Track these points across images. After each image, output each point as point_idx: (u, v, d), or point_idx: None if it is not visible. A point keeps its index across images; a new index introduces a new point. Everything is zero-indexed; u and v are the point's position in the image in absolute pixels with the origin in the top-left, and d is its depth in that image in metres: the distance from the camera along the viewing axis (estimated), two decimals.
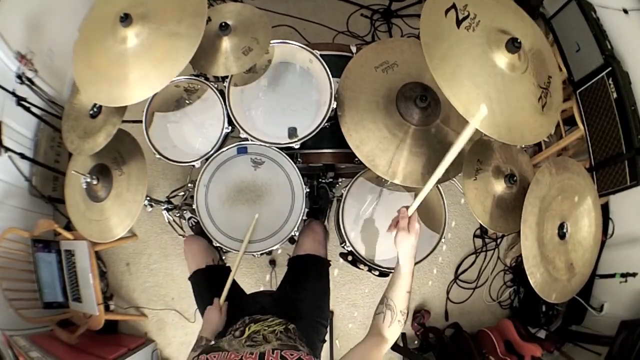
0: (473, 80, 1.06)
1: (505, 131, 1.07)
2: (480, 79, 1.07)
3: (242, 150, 1.55)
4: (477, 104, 1.01)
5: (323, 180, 1.89)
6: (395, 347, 2.15)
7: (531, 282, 1.18)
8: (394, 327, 1.00)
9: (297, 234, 1.54)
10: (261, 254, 1.52)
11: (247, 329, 1.09)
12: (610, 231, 2.08)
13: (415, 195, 1.07)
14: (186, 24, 1.20)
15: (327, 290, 1.47)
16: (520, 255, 1.24)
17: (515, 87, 1.09)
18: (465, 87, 1.05)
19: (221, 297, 1.32)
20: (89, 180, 1.42)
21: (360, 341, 1.00)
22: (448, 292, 2.46)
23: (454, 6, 1.12)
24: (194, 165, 1.55)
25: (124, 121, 1.36)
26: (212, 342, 1.12)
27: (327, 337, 1.42)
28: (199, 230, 2.02)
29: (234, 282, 1.53)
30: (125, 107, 1.36)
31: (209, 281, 1.48)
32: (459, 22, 1.12)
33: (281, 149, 1.51)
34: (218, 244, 1.49)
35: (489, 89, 1.06)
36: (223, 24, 1.39)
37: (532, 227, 1.21)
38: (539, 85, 1.12)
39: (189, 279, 1.52)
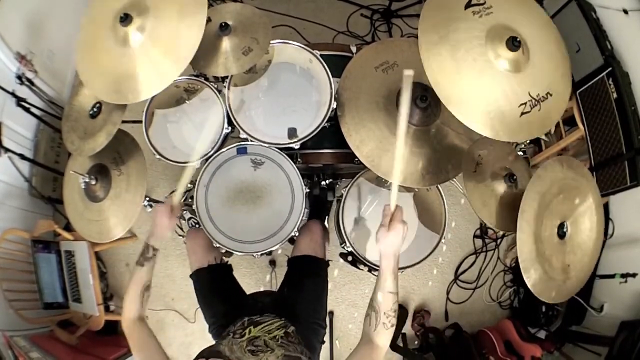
0: (452, 52, 1.10)
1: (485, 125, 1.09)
2: (460, 52, 1.10)
3: (242, 151, 1.55)
4: (449, 74, 1.08)
5: (323, 182, 1.89)
6: (395, 347, 2.15)
7: (525, 277, 1.18)
8: (381, 331, 0.95)
9: (297, 234, 1.54)
10: (261, 255, 1.52)
11: (247, 331, 1.08)
12: (610, 231, 2.08)
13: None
14: (189, 20, 1.21)
15: (325, 291, 1.46)
16: None
17: (498, 79, 1.10)
18: (440, 54, 1.10)
19: (176, 195, 1.19)
20: (87, 180, 1.42)
21: (352, 351, 0.97)
22: (448, 293, 2.46)
23: None
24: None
25: (123, 121, 1.36)
26: (212, 345, 1.12)
27: (326, 338, 1.42)
28: None
29: (235, 282, 1.53)
30: (124, 107, 1.36)
31: (210, 281, 1.47)
32: (468, 5, 1.13)
33: (281, 149, 1.51)
34: (218, 245, 1.49)
35: (466, 66, 1.10)
36: (223, 24, 1.39)
37: (530, 220, 1.20)
38: (529, 92, 1.12)
39: (191, 276, 1.51)
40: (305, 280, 1.43)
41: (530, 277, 1.19)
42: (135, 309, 1.10)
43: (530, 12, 1.22)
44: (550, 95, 1.14)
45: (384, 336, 0.96)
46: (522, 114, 1.11)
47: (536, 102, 1.12)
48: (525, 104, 1.11)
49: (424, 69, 1.09)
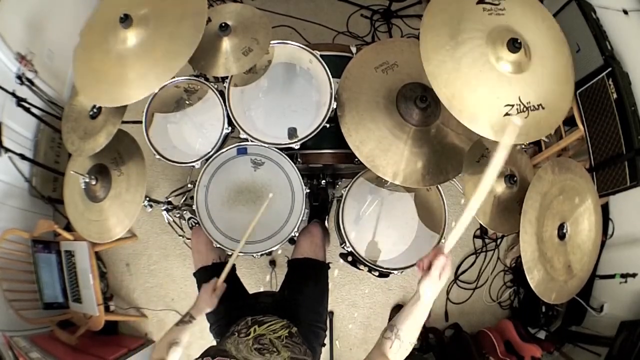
0: (451, 35, 1.12)
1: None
2: (458, 39, 1.11)
3: (242, 151, 1.55)
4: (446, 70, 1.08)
5: (323, 181, 1.90)
6: None
7: (528, 277, 1.18)
8: (401, 354, 0.95)
9: (297, 234, 1.54)
10: (261, 255, 1.52)
11: (252, 330, 1.08)
12: (610, 232, 2.08)
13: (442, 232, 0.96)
14: (187, 24, 1.21)
15: (326, 294, 1.46)
16: (520, 256, 1.25)
17: (488, 73, 1.11)
18: (439, 35, 1.11)
19: (220, 277, 1.30)
20: (87, 180, 1.42)
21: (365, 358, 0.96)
22: (448, 293, 2.46)
23: None
24: (193, 166, 1.55)
25: (123, 122, 1.36)
26: (217, 343, 1.12)
27: (326, 339, 1.41)
28: None
29: (238, 281, 1.53)
30: (125, 108, 1.36)
31: None
32: (481, 0, 1.14)
33: (281, 149, 1.51)
34: (218, 245, 1.49)
35: (460, 53, 1.11)
36: (223, 24, 1.39)
37: (532, 221, 1.21)
38: (519, 96, 1.11)
39: (194, 274, 1.51)
40: (306, 283, 1.43)
41: (534, 278, 1.19)
42: (159, 356, 1.13)
43: (544, 25, 1.21)
44: (543, 108, 1.12)
45: (402, 357, 0.97)
46: (506, 114, 1.10)
47: (524, 109, 1.11)
48: (512, 105, 1.10)
49: (420, 46, 1.11)
